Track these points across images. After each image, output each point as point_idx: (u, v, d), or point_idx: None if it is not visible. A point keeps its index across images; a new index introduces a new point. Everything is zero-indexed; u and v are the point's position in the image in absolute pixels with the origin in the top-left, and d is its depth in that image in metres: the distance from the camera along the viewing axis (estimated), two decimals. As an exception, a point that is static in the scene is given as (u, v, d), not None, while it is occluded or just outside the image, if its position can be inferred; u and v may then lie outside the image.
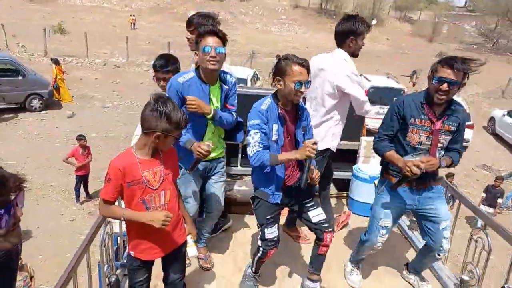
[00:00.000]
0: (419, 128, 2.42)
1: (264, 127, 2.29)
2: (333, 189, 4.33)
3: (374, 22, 37.59)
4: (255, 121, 2.29)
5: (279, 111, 2.34)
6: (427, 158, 2.30)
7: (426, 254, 2.75)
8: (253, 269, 2.69)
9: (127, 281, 2.66)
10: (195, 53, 2.50)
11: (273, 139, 2.34)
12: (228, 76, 2.64)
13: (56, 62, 12.73)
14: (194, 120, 2.51)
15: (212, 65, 2.39)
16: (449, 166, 2.49)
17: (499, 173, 11.18)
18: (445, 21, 40.55)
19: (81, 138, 7.24)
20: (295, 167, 2.51)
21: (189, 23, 2.89)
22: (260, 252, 2.53)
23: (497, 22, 36.31)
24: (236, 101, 2.72)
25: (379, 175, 2.76)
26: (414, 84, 18.92)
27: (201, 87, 2.49)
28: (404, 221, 3.79)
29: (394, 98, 11.15)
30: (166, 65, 2.80)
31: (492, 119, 14.39)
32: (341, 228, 3.63)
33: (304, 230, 3.35)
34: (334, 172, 3.62)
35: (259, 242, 2.52)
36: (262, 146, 2.26)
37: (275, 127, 2.33)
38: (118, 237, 2.84)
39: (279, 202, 2.45)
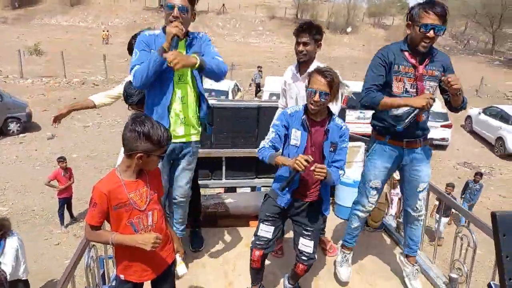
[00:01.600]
0: (403, 75, 2.39)
1: (281, 129, 2.39)
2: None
3: (349, 29, 38.42)
4: (275, 121, 2.46)
5: (303, 117, 2.35)
6: (452, 77, 2.21)
7: (406, 220, 2.79)
8: (251, 279, 2.67)
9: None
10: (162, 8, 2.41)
11: (292, 143, 2.38)
12: (196, 33, 2.51)
13: None
14: (157, 86, 2.39)
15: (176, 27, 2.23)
16: (459, 105, 2.44)
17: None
18: (417, 25, 41.63)
19: (60, 160, 7.09)
20: (309, 180, 2.44)
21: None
22: (250, 249, 2.52)
23: (466, 24, 37.59)
24: (215, 50, 2.49)
25: (370, 137, 2.75)
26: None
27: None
28: (391, 223, 3.83)
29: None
30: (130, 101, 2.80)
31: (468, 117, 14.80)
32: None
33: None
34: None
35: (252, 238, 2.54)
36: (270, 144, 2.38)
37: (296, 132, 2.37)
38: (104, 260, 2.78)
39: (285, 206, 2.45)
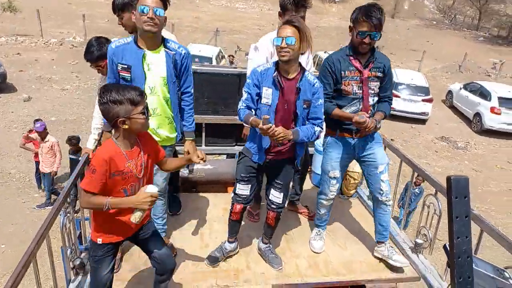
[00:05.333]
0: (350, 79, 2.61)
1: (252, 88, 2.41)
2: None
3: (338, -2, 37.64)
4: (248, 80, 2.46)
5: (274, 75, 2.35)
6: (365, 125, 2.46)
7: (375, 207, 2.91)
8: (227, 234, 2.83)
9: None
10: (132, 12, 2.28)
11: (263, 102, 2.40)
12: (177, 46, 2.43)
13: None
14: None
15: (149, 25, 2.20)
16: (383, 118, 2.70)
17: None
18: (406, -3, 41.24)
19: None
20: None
21: (115, 10, 2.70)
22: (230, 204, 2.72)
23: (455, -2, 37.39)
24: (191, 78, 2.54)
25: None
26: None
27: (136, 51, 2.30)
28: (364, 191, 3.95)
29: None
30: (89, 57, 2.74)
31: (449, 92, 15.04)
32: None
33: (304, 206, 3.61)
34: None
35: (232, 195, 2.72)
36: (245, 105, 2.44)
37: (266, 90, 2.38)
38: (80, 221, 2.81)
39: (260, 163, 2.57)
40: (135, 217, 1.91)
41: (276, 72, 2.37)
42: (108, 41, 2.73)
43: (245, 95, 2.45)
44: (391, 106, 2.80)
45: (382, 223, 2.93)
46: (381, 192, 2.77)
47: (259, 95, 2.43)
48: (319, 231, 3.11)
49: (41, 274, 2.03)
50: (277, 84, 2.36)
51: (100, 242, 2.03)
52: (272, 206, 2.70)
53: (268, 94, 2.37)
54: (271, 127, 2.21)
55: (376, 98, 2.70)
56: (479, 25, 34.89)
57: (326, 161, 2.88)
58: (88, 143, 3.02)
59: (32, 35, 17.11)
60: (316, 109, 2.45)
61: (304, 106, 2.42)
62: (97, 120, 3.00)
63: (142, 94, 1.86)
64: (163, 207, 2.76)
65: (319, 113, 2.48)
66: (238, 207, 2.67)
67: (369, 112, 2.66)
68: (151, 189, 1.91)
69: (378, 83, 2.67)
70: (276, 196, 2.67)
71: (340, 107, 2.67)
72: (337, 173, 2.86)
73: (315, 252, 3.01)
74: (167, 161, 2.22)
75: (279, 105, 2.39)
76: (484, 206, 8.41)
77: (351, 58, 2.60)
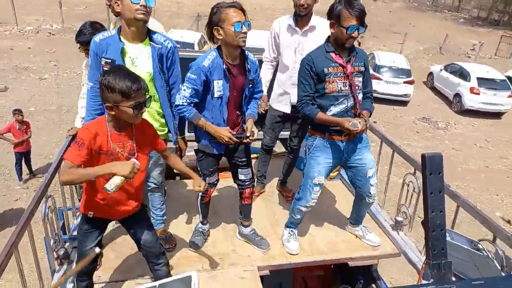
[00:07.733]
0: (334, 75, 2.46)
1: (199, 85, 2.31)
2: (283, 148, 4.48)
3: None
4: (192, 75, 2.30)
5: (224, 66, 2.31)
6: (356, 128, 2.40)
7: (358, 203, 2.90)
8: (201, 218, 2.89)
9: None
10: (116, 2, 2.18)
11: (216, 95, 2.36)
12: (163, 39, 2.35)
13: None
14: None
15: (142, 14, 2.14)
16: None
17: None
18: (388, -21, 41.16)
19: (16, 112, 6.73)
20: (235, 123, 2.55)
21: None
22: (201, 192, 2.69)
23: (436, -21, 37.51)
24: (178, 72, 2.47)
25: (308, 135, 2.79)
26: (359, 44, 19.35)
27: (118, 44, 2.23)
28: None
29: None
30: (81, 38, 2.70)
31: (430, 74, 15.24)
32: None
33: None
34: (284, 132, 3.68)
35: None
36: (189, 102, 2.33)
37: (218, 83, 2.32)
38: (63, 212, 2.78)
39: (222, 152, 2.58)
40: (111, 184, 1.69)
41: (224, 64, 2.32)
42: (102, 27, 2.69)
43: (189, 91, 2.30)
44: (372, 102, 2.69)
45: (361, 213, 2.97)
46: (369, 195, 2.73)
47: (206, 88, 2.36)
48: (291, 231, 2.95)
49: (26, 266, 2.02)
50: (227, 75, 2.34)
51: (91, 216, 2.03)
52: (246, 183, 2.74)
53: (219, 87, 2.34)
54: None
55: (361, 95, 2.57)
56: (460, 6, 35.21)
57: (313, 167, 2.65)
58: (76, 122, 3.04)
59: (6, 23, 16.48)
60: (258, 83, 2.58)
61: (250, 85, 2.47)
62: (84, 101, 3.02)
63: (139, 89, 1.79)
64: (161, 198, 2.78)
65: (261, 86, 2.64)
66: (211, 190, 2.77)
67: (357, 109, 2.55)
68: (135, 160, 1.81)
69: (361, 78, 2.55)
70: (245, 173, 2.71)
71: (324, 107, 2.51)
72: (322, 179, 2.66)
73: (291, 254, 2.86)
74: (171, 157, 2.19)
75: (230, 94, 2.39)
76: (463, 183, 8.66)
77: (332, 54, 2.46)
